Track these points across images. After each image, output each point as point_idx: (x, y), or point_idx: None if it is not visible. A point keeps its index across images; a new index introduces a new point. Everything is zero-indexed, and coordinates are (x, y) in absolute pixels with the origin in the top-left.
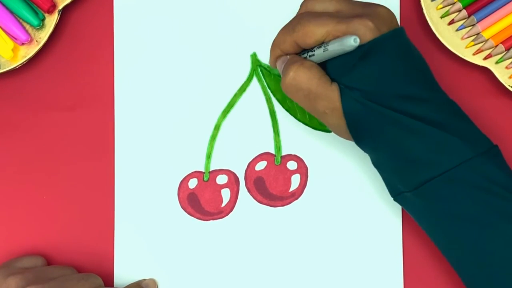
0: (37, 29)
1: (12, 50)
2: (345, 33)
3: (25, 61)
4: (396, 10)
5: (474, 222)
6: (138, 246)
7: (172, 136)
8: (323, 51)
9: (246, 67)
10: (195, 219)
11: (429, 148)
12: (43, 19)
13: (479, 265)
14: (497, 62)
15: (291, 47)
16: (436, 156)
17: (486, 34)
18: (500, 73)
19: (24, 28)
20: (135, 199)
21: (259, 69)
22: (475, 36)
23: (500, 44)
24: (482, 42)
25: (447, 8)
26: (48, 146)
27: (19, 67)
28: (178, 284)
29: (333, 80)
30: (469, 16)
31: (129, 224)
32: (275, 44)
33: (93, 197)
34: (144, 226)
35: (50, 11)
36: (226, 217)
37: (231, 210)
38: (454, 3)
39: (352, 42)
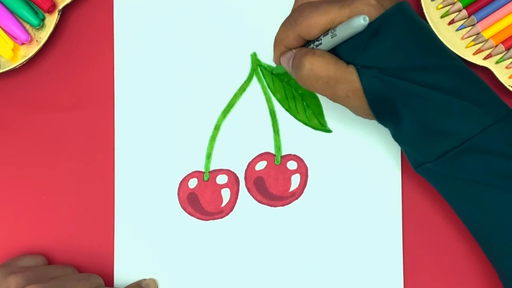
0: (37, 29)
1: (12, 50)
2: (349, 16)
3: (25, 61)
4: None
5: (497, 187)
6: (138, 246)
7: (172, 136)
8: (331, 37)
9: (246, 67)
10: (195, 219)
11: (448, 118)
12: (43, 19)
13: (501, 230)
14: (497, 62)
15: (295, 41)
16: (456, 125)
17: (486, 34)
18: (500, 73)
19: (24, 28)
20: (135, 199)
21: (259, 69)
22: (475, 36)
23: (500, 44)
24: (482, 42)
25: (447, 8)
26: (48, 146)
27: (19, 67)
28: (178, 284)
29: (348, 63)
30: (469, 16)
31: (129, 224)
32: (278, 41)
33: (93, 197)
34: (144, 226)
35: (50, 11)
36: (226, 217)
37: (231, 210)
38: (454, 3)
39: (361, 21)
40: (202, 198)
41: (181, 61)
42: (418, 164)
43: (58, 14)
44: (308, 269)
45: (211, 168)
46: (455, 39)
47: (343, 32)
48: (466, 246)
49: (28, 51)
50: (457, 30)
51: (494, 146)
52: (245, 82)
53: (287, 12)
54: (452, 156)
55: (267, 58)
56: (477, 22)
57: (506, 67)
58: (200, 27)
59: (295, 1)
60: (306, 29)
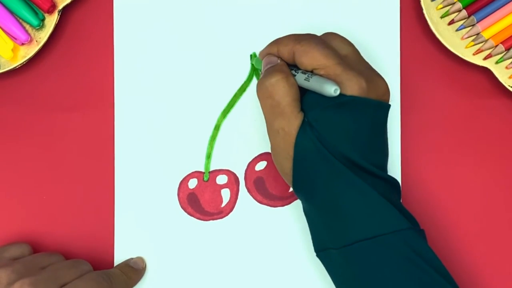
0: (37, 29)
1: (12, 50)
2: (336, 77)
3: (25, 61)
4: (396, 10)
5: None
6: (138, 246)
7: (172, 136)
8: (304, 79)
9: (246, 67)
10: (195, 219)
11: (367, 209)
12: (43, 19)
13: None
14: (497, 62)
15: (287, 54)
16: (372, 218)
17: (486, 34)
18: (500, 73)
19: (24, 28)
20: (135, 199)
21: (259, 69)
22: (475, 36)
23: (500, 44)
24: (482, 42)
25: (447, 8)
26: (48, 146)
27: (19, 67)
28: (178, 284)
29: (302, 109)
30: (469, 16)
31: (129, 224)
32: (276, 42)
33: (93, 197)
34: (144, 226)
35: (50, 11)
36: (226, 217)
37: (231, 210)
38: (454, 3)
39: (332, 90)
40: (202, 198)
41: (181, 61)
42: (322, 248)
43: (58, 14)
44: (308, 269)
45: (211, 168)
46: (455, 39)
47: (314, 84)
48: (465, 248)
49: (28, 51)
50: (457, 30)
51: (402, 249)
52: (245, 82)
53: (287, 12)
54: (360, 247)
55: None
56: (477, 22)
57: (506, 67)
58: (200, 27)
59: (322, 34)
60: (301, 52)
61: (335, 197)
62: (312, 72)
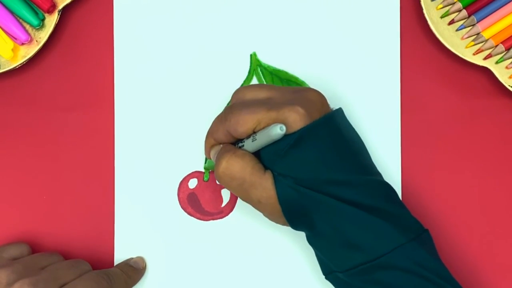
0: (37, 29)
1: (12, 50)
2: (275, 121)
3: (25, 61)
4: (396, 10)
5: None
6: (138, 246)
7: (172, 136)
8: (252, 141)
9: (246, 67)
10: (195, 219)
11: (362, 233)
12: (43, 19)
13: None
14: (497, 62)
15: (224, 136)
16: (369, 241)
17: (486, 34)
18: (500, 73)
19: (24, 28)
20: (135, 199)
21: (259, 69)
22: (475, 36)
23: (500, 44)
24: (482, 42)
25: (447, 8)
26: (48, 146)
27: (19, 67)
28: (179, 284)
29: (266, 168)
30: (469, 16)
31: (129, 224)
32: (209, 133)
33: (93, 197)
34: (144, 226)
35: (50, 11)
36: (226, 217)
37: (231, 210)
38: (454, 3)
39: (278, 130)
40: (202, 198)
41: (181, 61)
42: (328, 272)
43: (58, 14)
44: (308, 270)
45: (211, 168)
46: (455, 39)
47: (262, 138)
48: (467, 249)
49: (28, 51)
50: (457, 30)
51: (404, 265)
52: (245, 82)
53: (287, 12)
54: (363, 270)
55: (267, 58)
56: (477, 22)
57: (506, 67)
58: (200, 27)
59: (231, 99)
60: (234, 125)
61: (330, 229)
62: (254, 133)
